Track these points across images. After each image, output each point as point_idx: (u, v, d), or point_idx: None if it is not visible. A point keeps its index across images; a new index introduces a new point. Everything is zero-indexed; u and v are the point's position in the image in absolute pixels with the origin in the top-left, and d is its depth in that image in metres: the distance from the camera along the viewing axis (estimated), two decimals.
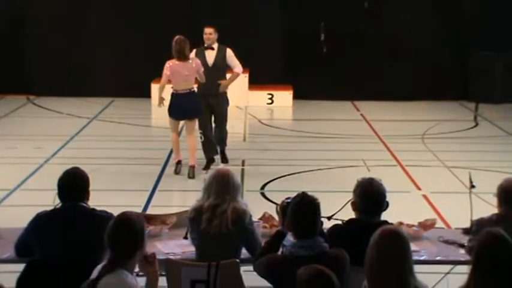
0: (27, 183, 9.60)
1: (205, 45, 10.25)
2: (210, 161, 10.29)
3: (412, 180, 9.87)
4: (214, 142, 10.41)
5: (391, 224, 4.75)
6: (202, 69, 9.81)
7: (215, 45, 10.25)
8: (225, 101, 10.45)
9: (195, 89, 9.97)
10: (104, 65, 15.73)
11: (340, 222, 5.17)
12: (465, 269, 4.20)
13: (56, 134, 12.34)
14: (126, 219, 3.96)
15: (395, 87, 15.71)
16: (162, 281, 4.81)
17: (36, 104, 15.30)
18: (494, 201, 5.19)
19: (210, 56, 10.20)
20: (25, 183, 9.57)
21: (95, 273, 3.92)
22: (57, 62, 15.89)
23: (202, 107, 10.01)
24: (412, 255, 3.88)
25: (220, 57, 10.23)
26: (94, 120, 13.78)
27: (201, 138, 10.32)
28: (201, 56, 10.08)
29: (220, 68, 10.27)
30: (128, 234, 3.89)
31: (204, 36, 10.22)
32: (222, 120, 10.43)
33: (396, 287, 3.75)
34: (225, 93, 10.39)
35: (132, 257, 3.90)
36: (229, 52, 10.30)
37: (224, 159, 10.56)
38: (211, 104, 10.23)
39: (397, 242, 3.83)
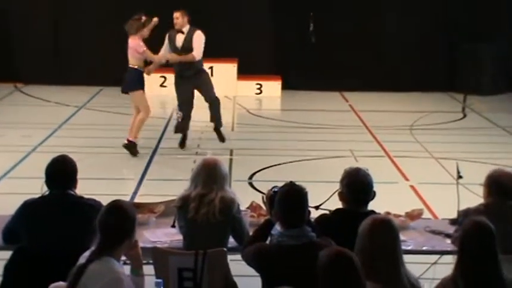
0: (15, 171, 9.57)
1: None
2: (183, 141, 10.56)
3: (400, 171, 9.90)
4: (189, 123, 10.60)
5: (379, 214, 4.76)
6: (141, 50, 10.10)
7: (185, 29, 10.40)
8: (205, 75, 10.59)
9: (133, 66, 10.24)
10: (92, 53, 15.65)
11: (327, 212, 5.18)
12: (452, 259, 4.24)
13: (44, 123, 12.29)
14: (119, 206, 3.97)
15: (384, 78, 15.72)
16: (150, 269, 4.82)
17: (24, 92, 15.22)
18: (482, 192, 5.21)
19: (180, 39, 10.39)
20: (12, 171, 9.54)
21: (81, 260, 3.91)
22: (45, 50, 15.80)
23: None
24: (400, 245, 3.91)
25: (188, 39, 10.37)
26: (82, 109, 13.73)
27: (178, 119, 10.51)
28: (172, 39, 10.39)
29: (188, 50, 10.34)
30: (120, 221, 3.90)
31: (174, 21, 10.42)
32: (210, 94, 10.56)
33: (388, 275, 3.77)
34: (204, 71, 10.54)
35: (121, 244, 3.90)
36: (196, 35, 10.39)
37: (221, 139, 10.73)
38: (193, 83, 10.42)
39: (390, 231, 3.85)
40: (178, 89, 10.55)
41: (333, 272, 3.46)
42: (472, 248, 3.94)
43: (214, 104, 10.66)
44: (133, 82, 10.26)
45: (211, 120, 10.77)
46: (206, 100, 10.66)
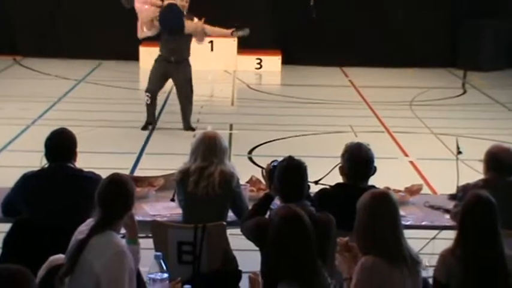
0: (14, 144, 9.57)
1: None
2: (148, 124, 10.34)
3: (400, 147, 9.90)
4: (155, 108, 10.40)
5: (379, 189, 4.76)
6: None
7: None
8: (189, 68, 10.27)
9: None
10: (92, 26, 15.57)
11: (327, 186, 5.18)
12: (451, 234, 4.24)
13: (43, 96, 12.26)
14: (118, 179, 3.95)
15: (384, 54, 15.66)
16: (149, 242, 4.83)
17: (23, 65, 15.17)
18: (481, 167, 5.21)
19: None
20: (12, 144, 9.53)
21: (78, 235, 3.91)
22: (44, 23, 15.71)
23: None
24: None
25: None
26: (82, 83, 13.68)
27: (147, 100, 10.29)
28: None
29: (187, 35, 10.14)
30: (120, 194, 3.88)
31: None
32: (183, 92, 10.23)
33: (389, 249, 3.78)
34: (188, 63, 10.23)
35: (121, 218, 3.90)
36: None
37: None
38: (171, 73, 10.12)
39: (389, 204, 3.86)
40: (154, 71, 10.19)
41: (284, 232, 3.51)
42: (473, 220, 3.95)
43: (186, 102, 10.26)
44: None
45: (183, 119, 10.30)
46: (178, 95, 10.31)
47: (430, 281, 4.12)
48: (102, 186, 3.92)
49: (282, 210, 3.58)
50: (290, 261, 3.43)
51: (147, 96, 10.28)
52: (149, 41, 10.85)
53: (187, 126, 10.31)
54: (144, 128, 10.34)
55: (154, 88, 10.26)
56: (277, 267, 3.37)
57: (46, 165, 4.92)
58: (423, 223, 5.21)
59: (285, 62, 15.46)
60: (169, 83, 10.46)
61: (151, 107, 10.36)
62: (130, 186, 3.94)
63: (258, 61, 15.49)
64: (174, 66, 10.12)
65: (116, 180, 3.94)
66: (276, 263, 3.40)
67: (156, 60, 10.28)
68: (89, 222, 3.92)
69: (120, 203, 3.88)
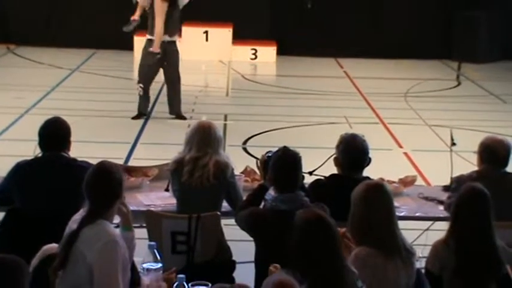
0: (8, 132, 9.54)
1: None
2: (140, 115, 10.28)
3: (394, 138, 9.91)
4: (149, 98, 10.31)
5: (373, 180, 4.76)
6: None
7: None
8: (177, 52, 10.19)
9: None
10: (86, 15, 15.52)
11: (321, 177, 5.18)
12: (444, 225, 4.25)
13: (37, 85, 12.21)
14: (103, 168, 3.91)
15: (379, 45, 15.65)
16: (143, 232, 4.82)
17: (17, 54, 15.11)
18: (475, 159, 5.22)
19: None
20: (5, 133, 9.51)
21: (72, 225, 3.90)
22: (38, 11, 15.63)
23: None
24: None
25: None
26: (76, 72, 13.64)
27: (140, 92, 10.19)
28: None
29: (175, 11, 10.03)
30: (106, 183, 3.85)
31: None
32: (174, 74, 10.18)
33: (383, 240, 3.79)
34: (176, 47, 10.14)
35: (111, 206, 3.88)
36: None
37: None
38: (165, 51, 9.98)
39: (384, 195, 3.87)
40: (145, 59, 10.11)
41: (311, 234, 3.42)
42: (466, 212, 3.97)
43: (174, 85, 10.20)
44: None
45: (169, 104, 10.26)
46: (166, 80, 10.25)
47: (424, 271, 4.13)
48: (88, 177, 3.88)
49: (305, 213, 3.51)
50: (316, 263, 3.38)
51: (140, 87, 10.20)
52: (143, 29, 10.78)
53: (178, 114, 10.24)
54: (136, 117, 10.28)
55: (146, 78, 10.19)
56: (301, 270, 3.32)
57: (39, 154, 4.90)
58: (417, 214, 5.22)
59: (280, 52, 15.43)
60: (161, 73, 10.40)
61: (144, 98, 10.30)
62: (116, 174, 3.90)
63: (253, 51, 15.46)
64: (165, 51, 9.97)
65: (101, 169, 3.90)
66: (301, 266, 3.35)
67: (145, 48, 10.18)
68: (83, 211, 3.91)
69: (107, 192, 3.85)
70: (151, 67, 10.09)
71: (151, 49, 9.92)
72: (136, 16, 10.23)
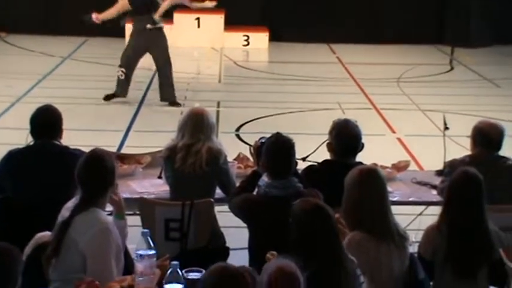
0: None
1: None
2: (113, 96, 10.27)
3: (387, 123, 9.91)
4: (129, 83, 10.26)
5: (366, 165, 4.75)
6: None
7: None
8: (163, 37, 10.16)
9: None
10: (77, 3, 15.41)
11: (315, 163, 5.17)
12: (437, 209, 4.25)
13: (28, 73, 12.16)
14: (95, 156, 3.90)
15: (371, 31, 15.63)
16: (136, 220, 4.82)
17: (8, 42, 15.03)
18: (468, 144, 5.21)
19: None
20: None
21: (64, 213, 3.89)
22: None
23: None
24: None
25: None
26: (67, 59, 13.59)
27: (120, 75, 10.19)
28: None
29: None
30: (98, 172, 3.84)
31: None
32: (162, 59, 10.12)
33: (376, 224, 3.79)
34: (163, 33, 10.14)
35: (104, 194, 3.87)
36: None
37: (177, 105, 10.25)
38: (148, 44, 10.01)
39: (377, 179, 3.87)
40: (130, 44, 10.16)
41: (309, 225, 3.42)
42: (459, 197, 3.97)
43: (163, 70, 10.16)
44: None
45: (160, 90, 10.21)
46: (156, 66, 10.24)
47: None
48: (80, 165, 3.88)
49: (303, 203, 3.50)
50: (317, 252, 3.38)
51: (122, 71, 10.17)
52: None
53: (173, 100, 10.21)
54: (108, 98, 10.24)
55: (128, 63, 10.15)
56: (302, 260, 3.32)
57: (31, 143, 4.88)
58: (410, 199, 5.23)
59: (272, 39, 15.40)
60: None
61: (125, 82, 10.23)
62: (108, 162, 3.89)
63: (245, 38, 15.42)
64: (150, 37, 9.98)
65: (93, 157, 3.90)
66: (302, 256, 3.34)
67: (131, 34, 10.24)
68: (75, 199, 3.90)
69: (99, 180, 3.84)
70: (135, 53, 10.09)
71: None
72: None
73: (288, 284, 2.88)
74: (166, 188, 5.08)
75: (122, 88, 10.28)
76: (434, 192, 5.21)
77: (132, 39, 10.25)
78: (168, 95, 10.27)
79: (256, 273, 2.96)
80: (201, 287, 2.88)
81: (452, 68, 13.93)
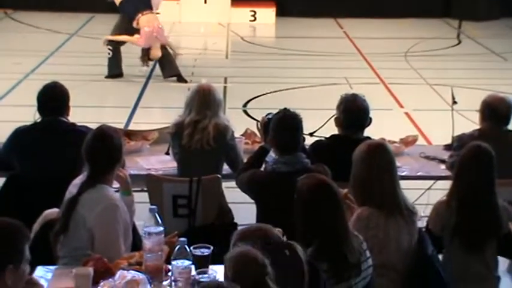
0: (7, 98, 9.51)
1: None
2: (109, 77, 10.27)
3: (395, 98, 9.87)
4: (119, 59, 10.25)
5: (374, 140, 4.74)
6: None
7: None
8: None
9: None
10: None
11: (322, 138, 5.15)
12: (446, 184, 4.24)
13: (35, 50, 12.14)
14: (102, 133, 3.89)
15: (378, 5, 15.53)
16: (144, 196, 4.82)
17: (14, 19, 14.99)
18: (476, 118, 5.19)
19: None
20: (4, 99, 9.47)
21: (72, 189, 3.89)
22: None
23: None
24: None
25: None
26: (74, 36, 13.55)
27: (108, 54, 10.19)
28: None
29: None
30: (105, 148, 3.83)
31: None
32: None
33: (385, 199, 3.77)
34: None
35: (111, 171, 3.86)
36: None
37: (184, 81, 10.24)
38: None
39: (385, 155, 3.85)
40: (119, 24, 10.16)
41: (313, 201, 3.40)
42: (470, 171, 3.95)
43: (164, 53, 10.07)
44: None
45: (161, 68, 10.16)
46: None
47: None
48: (87, 142, 3.87)
49: (307, 179, 3.48)
50: (321, 229, 3.36)
51: (109, 49, 10.15)
52: None
53: (179, 75, 10.17)
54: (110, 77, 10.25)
55: (115, 42, 10.10)
56: (306, 236, 3.30)
57: (39, 120, 4.88)
58: (418, 174, 5.22)
59: (279, 14, 15.32)
60: None
61: (113, 59, 10.21)
62: (115, 139, 3.88)
63: (252, 13, 15.34)
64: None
65: (99, 134, 3.88)
66: (306, 232, 3.33)
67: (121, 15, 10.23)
68: (82, 176, 3.90)
69: (107, 157, 3.84)
70: (122, 32, 10.04)
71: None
72: None
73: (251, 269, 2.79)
74: (174, 164, 5.07)
75: (115, 65, 10.25)
76: (443, 166, 5.20)
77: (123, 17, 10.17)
78: (173, 70, 10.20)
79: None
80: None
81: (460, 42, 13.84)
